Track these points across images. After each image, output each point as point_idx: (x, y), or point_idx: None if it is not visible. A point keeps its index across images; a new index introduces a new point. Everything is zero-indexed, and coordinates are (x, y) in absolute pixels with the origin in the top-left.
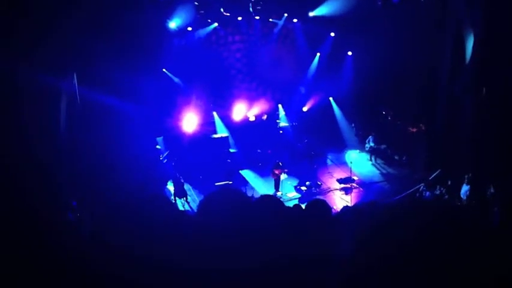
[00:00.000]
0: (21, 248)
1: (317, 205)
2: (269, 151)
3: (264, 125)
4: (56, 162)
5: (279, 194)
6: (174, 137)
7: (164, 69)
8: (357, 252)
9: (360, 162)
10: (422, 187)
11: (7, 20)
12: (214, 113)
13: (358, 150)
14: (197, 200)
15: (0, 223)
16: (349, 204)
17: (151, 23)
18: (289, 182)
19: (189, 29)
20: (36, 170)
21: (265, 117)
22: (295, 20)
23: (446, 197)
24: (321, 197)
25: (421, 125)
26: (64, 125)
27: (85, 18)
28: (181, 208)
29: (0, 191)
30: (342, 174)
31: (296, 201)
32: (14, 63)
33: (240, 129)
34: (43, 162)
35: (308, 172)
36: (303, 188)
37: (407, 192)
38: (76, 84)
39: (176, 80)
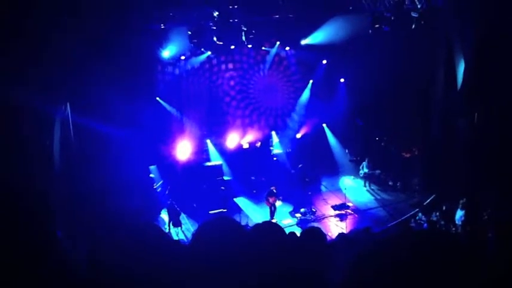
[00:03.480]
0: (13, 275)
1: (312, 232)
2: (263, 178)
3: (258, 152)
4: (48, 188)
5: (273, 221)
6: (168, 165)
7: (158, 98)
8: (350, 280)
9: (354, 189)
10: (418, 213)
11: (2, 44)
12: (208, 141)
13: (352, 176)
14: (191, 229)
15: None
16: (345, 231)
17: (145, 51)
18: (284, 209)
19: (183, 57)
20: (28, 195)
21: (259, 144)
22: (287, 48)
23: (443, 222)
24: (316, 224)
25: (414, 149)
26: (57, 150)
27: (80, 45)
28: (175, 237)
29: None
30: (337, 201)
31: (291, 229)
32: (8, 87)
33: (233, 157)
34: (35, 188)
35: (303, 199)
36: (298, 215)
37: (403, 218)
38: (69, 111)
39: (170, 108)
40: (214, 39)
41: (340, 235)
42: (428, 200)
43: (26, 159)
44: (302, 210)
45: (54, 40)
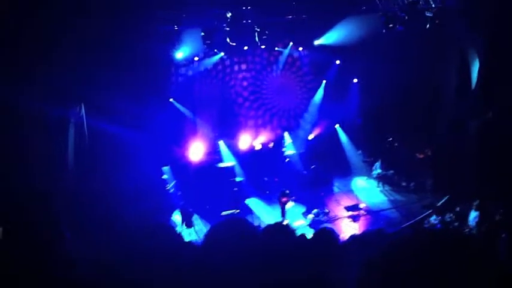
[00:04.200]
0: (25, 280)
1: (325, 233)
2: (276, 179)
3: (271, 153)
4: (58, 190)
5: (285, 222)
6: (181, 166)
7: (171, 99)
8: (364, 281)
9: (367, 189)
10: (431, 214)
11: (10, 48)
12: (221, 142)
13: (365, 177)
14: (204, 230)
15: (3, 255)
16: (357, 232)
17: (159, 52)
18: (296, 210)
19: (196, 58)
20: (41, 200)
21: (271, 145)
22: (300, 49)
23: (456, 224)
24: (329, 225)
25: (427, 150)
26: (71, 154)
27: (92, 46)
28: (187, 238)
29: (5, 223)
30: (350, 202)
31: (303, 230)
32: (16, 89)
33: (246, 158)
34: (48, 193)
35: (315, 199)
36: (311, 215)
37: (416, 219)
38: (84, 114)
39: (183, 109)
40: (227, 40)
41: (353, 236)
42: (441, 201)
43: (36, 161)
44: (315, 211)
45: (65, 42)
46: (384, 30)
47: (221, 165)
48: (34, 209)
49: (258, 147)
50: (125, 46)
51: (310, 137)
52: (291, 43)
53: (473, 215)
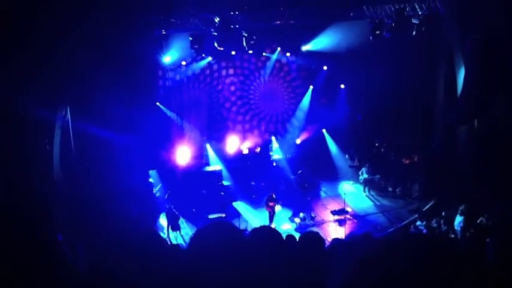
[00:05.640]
0: (19, 282)
1: (311, 237)
2: (263, 183)
3: (258, 158)
4: (51, 195)
5: (272, 226)
6: (168, 170)
7: (158, 103)
8: (349, 285)
9: (354, 194)
10: (417, 219)
11: (2, 51)
12: (208, 146)
13: (352, 182)
14: (190, 233)
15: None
16: (342, 237)
17: (146, 56)
18: (283, 214)
19: (184, 63)
20: (31, 203)
21: (258, 149)
22: (288, 54)
23: (444, 228)
24: (315, 229)
25: (414, 156)
26: (58, 157)
27: (81, 50)
28: (174, 242)
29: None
30: (336, 206)
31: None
32: (8, 95)
33: (233, 162)
34: (35, 192)
35: (302, 204)
36: (297, 219)
37: (402, 224)
38: (69, 117)
39: (170, 113)
40: (215, 44)
41: (337, 241)
42: (427, 206)
43: (26, 163)
44: (301, 215)
45: (56, 46)
46: (370, 37)
47: (208, 169)
48: (26, 210)
49: (245, 151)
50: (114, 50)
51: (298, 141)
52: (279, 48)
53: (458, 219)
